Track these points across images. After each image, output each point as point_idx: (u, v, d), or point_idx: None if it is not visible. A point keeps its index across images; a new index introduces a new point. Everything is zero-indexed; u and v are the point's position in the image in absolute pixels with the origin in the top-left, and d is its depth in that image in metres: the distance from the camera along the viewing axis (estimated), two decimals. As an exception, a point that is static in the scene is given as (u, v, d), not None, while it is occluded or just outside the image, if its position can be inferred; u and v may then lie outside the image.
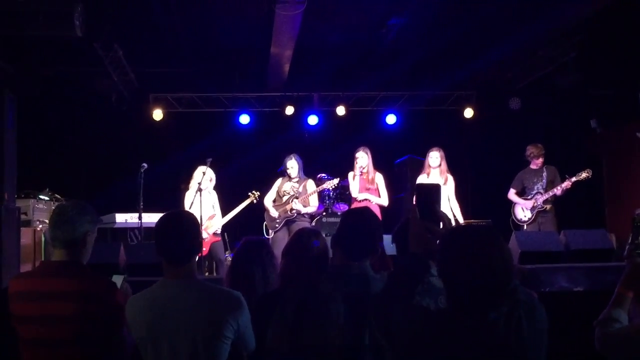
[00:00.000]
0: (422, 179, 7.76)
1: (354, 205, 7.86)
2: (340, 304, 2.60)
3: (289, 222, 7.65)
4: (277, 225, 7.71)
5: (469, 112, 11.36)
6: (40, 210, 7.78)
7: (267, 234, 7.87)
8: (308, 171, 8.23)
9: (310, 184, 7.75)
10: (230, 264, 3.69)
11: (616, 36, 8.77)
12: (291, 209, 7.60)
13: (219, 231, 7.67)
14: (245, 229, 7.89)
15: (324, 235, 3.62)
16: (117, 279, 3.12)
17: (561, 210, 8.35)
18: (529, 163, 8.16)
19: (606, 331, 2.48)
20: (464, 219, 8.00)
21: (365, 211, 3.19)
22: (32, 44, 8.44)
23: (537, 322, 2.10)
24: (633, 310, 2.65)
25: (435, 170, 7.75)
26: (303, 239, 3.28)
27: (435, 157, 7.77)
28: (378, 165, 8.11)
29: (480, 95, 11.48)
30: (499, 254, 2.04)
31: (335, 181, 7.91)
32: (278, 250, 7.02)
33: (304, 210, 7.62)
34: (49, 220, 2.90)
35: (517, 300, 2.06)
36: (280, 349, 2.81)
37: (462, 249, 2.07)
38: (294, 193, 7.65)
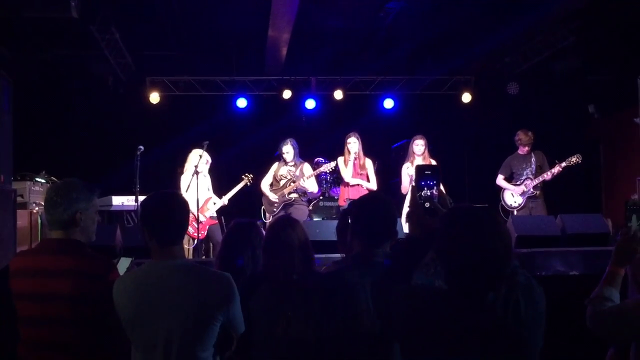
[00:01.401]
0: (405, 168, 7.81)
1: (346, 190, 7.89)
2: (368, 292, 2.58)
3: (287, 205, 7.68)
4: (275, 210, 7.73)
5: (466, 97, 11.34)
6: (37, 192, 7.76)
7: (265, 218, 7.90)
8: (305, 155, 8.23)
9: (307, 168, 7.76)
10: (220, 246, 3.68)
11: (614, 22, 8.75)
12: (291, 192, 7.62)
13: (215, 214, 7.68)
14: (243, 213, 7.88)
15: (320, 219, 3.62)
16: (125, 261, 3.11)
17: (558, 195, 8.37)
18: (517, 148, 8.17)
19: (598, 309, 2.49)
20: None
21: (379, 196, 3.16)
22: (28, 26, 8.38)
23: (535, 303, 2.11)
24: (631, 289, 2.66)
25: (419, 158, 7.77)
26: (279, 232, 3.21)
27: (420, 145, 7.79)
28: (375, 149, 8.12)
29: (478, 80, 11.46)
30: (498, 236, 2.04)
31: (333, 164, 7.90)
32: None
33: (310, 189, 7.66)
34: (44, 202, 2.87)
35: (516, 282, 2.06)
36: (306, 338, 2.82)
37: (462, 230, 2.06)
38: (291, 177, 7.65)
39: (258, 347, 3.06)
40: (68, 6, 6.85)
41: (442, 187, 2.38)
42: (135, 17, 9.15)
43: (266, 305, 3.05)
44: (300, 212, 7.54)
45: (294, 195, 7.65)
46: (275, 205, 7.74)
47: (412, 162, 7.79)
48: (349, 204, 3.15)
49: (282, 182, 7.71)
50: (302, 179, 7.60)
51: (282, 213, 7.63)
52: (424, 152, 7.79)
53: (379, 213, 2.82)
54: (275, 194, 7.74)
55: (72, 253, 2.79)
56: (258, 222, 3.76)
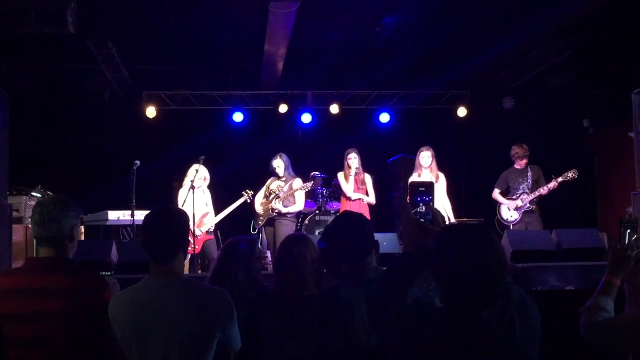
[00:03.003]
0: (413, 179, 7.81)
1: (347, 204, 8.03)
2: (363, 308, 2.58)
3: (270, 220, 7.74)
4: (260, 223, 7.89)
5: (462, 111, 11.38)
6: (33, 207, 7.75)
7: (253, 230, 7.98)
8: (301, 169, 8.25)
9: (296, 183, 7.75)
10: (216, 262, 3.67)
11: (609, 36, 8.80)
12: (272, 209, 7.63)
13: (211, 229, 7.67)
14: (238, 228, 7.91)
15: (316, 233, 3.63)
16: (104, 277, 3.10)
17: (553, 209, 8.38)
18: (513, 163, 8.20)
19: (592, 319, 2.49)
20: (457, 218, 8.04)
21: (347, 215, 3.18)
22: (24, 41, 8.40)
23: (530, 321, 2.10)
24: (628, 304, 2.66)
25: (426, 170, 7.78)
26: (292, 249, 3.22)
27: (427, 157, 7.80)
28: (371, 163, 8.19)
29: (474, 95, 11.50)
30: (492, 253, 2.04)
31: (309, 184, 7.90)
32: (262, 247, 7.15)
33: (284, 210, 7.64)
34: (32, 219, 2.81)
35: (510, 299, 2.06)
36: (303, 356, 2.82)
37: (456, 247, 2.06)
38: (278, 192, 7.67)
39: None
40: (65, 21, 6.87)
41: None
42: (131, 32, 9.18)
43: (278, 324, 3.04)
44: (284, 229, 7.52)
45: (277, 211, 7.65)
46: (261, 219, 7.83)
47: (419, 174, 7.81)
48: (325, 229, 3.15)
49: (270, 197, 7.74)
50: (274, 201, 7.60)
51: (267, 228, 7.78)
52: (430, 164, 7.76)
53: (351, 231, 2.84)
54: (263, 208, 7.79)
55: (63, 271, 2.76)
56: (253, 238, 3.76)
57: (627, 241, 2.59)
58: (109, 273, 3.14)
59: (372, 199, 8.08)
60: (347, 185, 8.05)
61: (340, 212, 8.30)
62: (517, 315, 2.04)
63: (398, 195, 9.98)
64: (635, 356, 2.52)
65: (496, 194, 8.25)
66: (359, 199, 7.99)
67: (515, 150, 8.12)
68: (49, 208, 2.79)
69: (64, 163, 10.45)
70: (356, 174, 8.00)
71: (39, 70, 9.81)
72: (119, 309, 2.66)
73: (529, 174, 8.04)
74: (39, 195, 7.97)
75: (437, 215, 2.31)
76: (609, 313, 2.51)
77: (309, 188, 7.91)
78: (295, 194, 7.68)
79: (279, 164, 7.78)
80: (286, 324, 3.02)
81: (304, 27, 8.64)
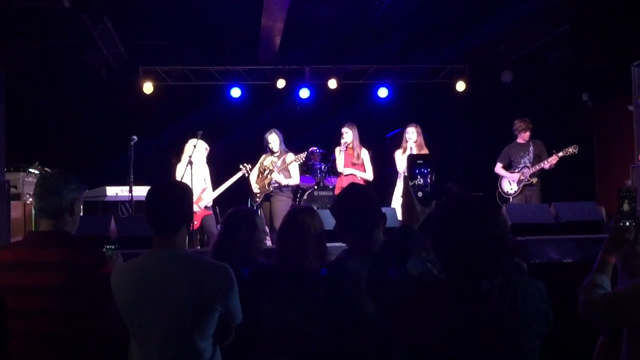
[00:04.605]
0: (398, 155, 7.85)
1: (340, 180, 8.02)
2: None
3: (267, 196, 7.71)
4: (257, 200, 7.82)
5: (461, 86, 11.34)
6: (30, 183, 7.72)
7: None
8: (299, 144, 8.22)
9: (289, 156, 7.71)
10: (217, 234, 3.67)
11: (609, 9, 8.73)
12: (269, 183, 7.61)
13: (210, 204, 7.67)
14: (237, 203, 7.88)
15: (315, 208, 3.62)
16: (109, 250, 3.10)
17: (552, 184, 8.39)
18: (516, 137, 8.22)
19: (590, 297, 2.51)
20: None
21: (356, 187, 3.17)
22: (19, 16, 8.32)
23: (534, 295, 2.10)
24: (620, 276, 2.68)
25: (412, 146, 7.80)
26: (297, 218, 3.25)
27: (412, 133, 7.83)
28: (369, 138, 8.15)
29: (473, 69, 11.44)
30: (494, 224, 2.04)
31: (302, 155, 7.84)
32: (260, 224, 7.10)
33: (284, 182, 7.61)
34: (34, 192, 2.84)
35: (519, 279, 2.06)
36: (310, 330, 2.82)
37: (458, 218, 2.06)
38: (272, 167, 7.65)
39: (266, 336, 3.07)
40: (60, -5, 6.81)
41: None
42: (127, 7, 9.09)
43: (277, 295, 3.05)
44: (280, 204, 7.52)
45: (274, 186, 7.63)
46: (258, 196, 7.79)
47: (404, 150, 7.85)
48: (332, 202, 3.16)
49: (265, 173, 7.72)
50: (274, 173, 7.58)
51: (264, 203, 7.73)
52: (416, 141, 7.78)
53: (359, 204, 2.83)
54: (258, 184, 7.76)
55: (63, 245, 2.76)
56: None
57: (624, 210, 2.59)
58: (113, 246, 3.14)
59: (368, 174, 7.97)
60: (338, 160, 8.03)
61: (336, 188, 8.28)
62: (520, 290, 2.04)
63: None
64: (630, 330, 2.53)
65: (499, 168, 8.30)
66: (351, 174, 7.90)
67: (518, 124, 8.17)
68: (50, 180, 2.82)
69: (61, 139, 10.41)
70: (350, 148, 7.93)
71: (34, 46, 9.72)
72: (121, 281, 2.67)
73: (531, 148, 8.08)
74: (36, 171, 7.95)
75: (444, 187, 2.31)
76: (605, 290, 2.53)
77: (303, 160, 7.87)
78: (290, 167, 7.65)
79: (274, 139, 7.73)
80: (290, 295, 3.02)
81: (302, 1, 8.56)
